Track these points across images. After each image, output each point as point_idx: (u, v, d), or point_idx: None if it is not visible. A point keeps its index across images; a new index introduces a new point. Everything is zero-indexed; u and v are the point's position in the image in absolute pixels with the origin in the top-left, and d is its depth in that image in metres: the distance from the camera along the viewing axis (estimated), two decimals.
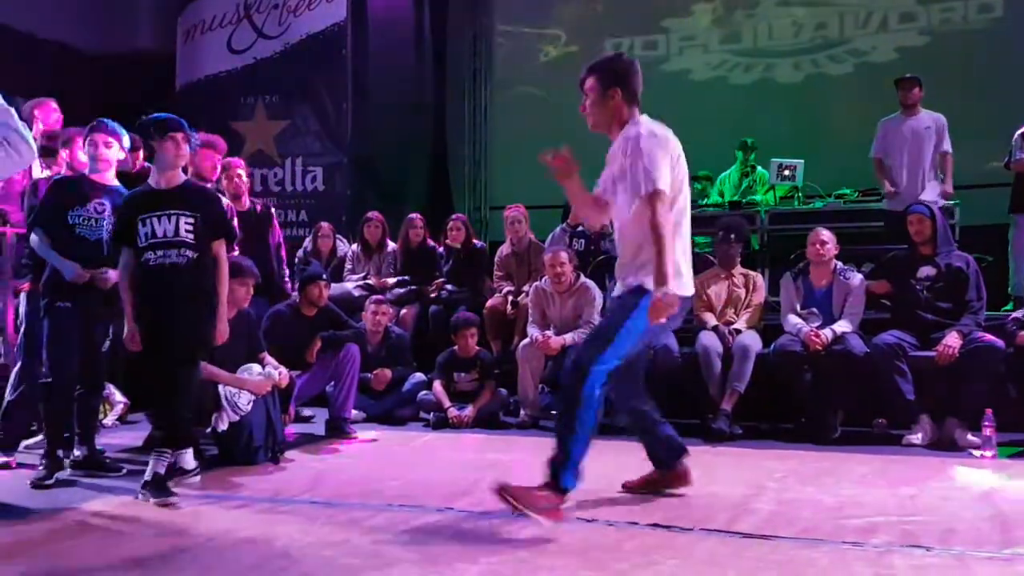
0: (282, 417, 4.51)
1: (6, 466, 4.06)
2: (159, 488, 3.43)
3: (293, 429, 4.98)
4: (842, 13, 8.95)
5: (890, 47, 8.76)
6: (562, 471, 3.08)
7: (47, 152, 4.76)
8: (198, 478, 3.79)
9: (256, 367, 4.31)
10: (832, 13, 8.97)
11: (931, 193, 6.10)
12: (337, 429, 5.02)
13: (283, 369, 4.43)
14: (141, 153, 4.96)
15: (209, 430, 4.19)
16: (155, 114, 3.68)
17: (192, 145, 3.74)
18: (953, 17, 8.71)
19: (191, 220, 3.57)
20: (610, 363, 3.09)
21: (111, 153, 3.98)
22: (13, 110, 2.84)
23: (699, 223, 6.93)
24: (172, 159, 3.61)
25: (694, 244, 7.28)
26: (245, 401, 4.16)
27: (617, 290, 3.31)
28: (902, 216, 5.15)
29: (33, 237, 3.99)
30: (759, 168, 7.63)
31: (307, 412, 5.43)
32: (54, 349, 3.83)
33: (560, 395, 3.29)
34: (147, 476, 3.47)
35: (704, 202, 7.38)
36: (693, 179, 7.94)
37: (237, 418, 4.13)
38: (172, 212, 3.56)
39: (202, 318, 3.61)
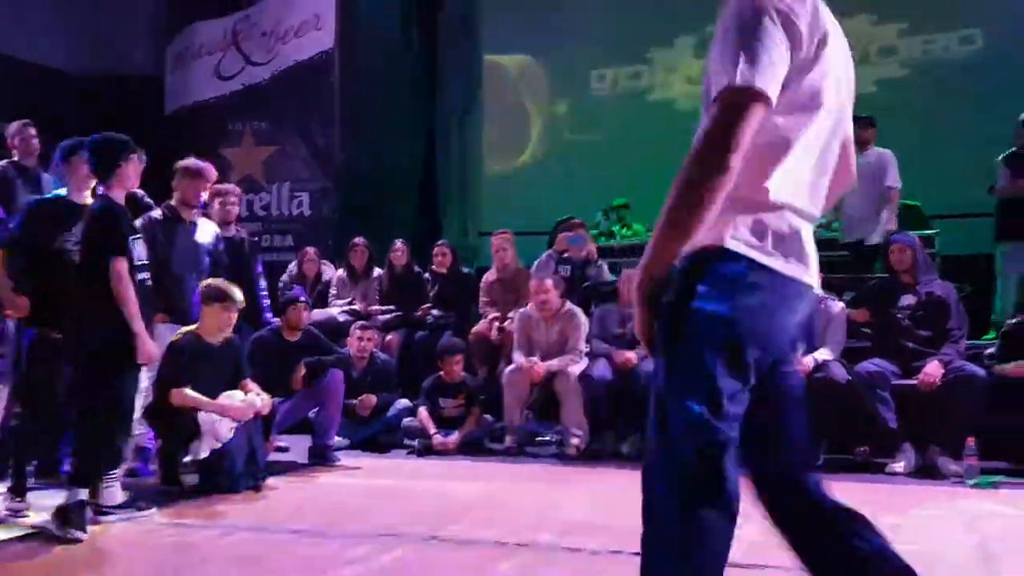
0: (264, 444, 4.48)
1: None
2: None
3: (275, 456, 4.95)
4: None
5: (871, 80, 8.90)
6: None
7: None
8: (145, 512, 3.62)
9: (239, 393, 4.29)
10: None
11: (875, 229, 6.15)
12: (320, 456, 4.99)
13: (265, 396, 4.41)
14: None
15: (190, 457, 4.16)
16: (113, 135, 3.65)
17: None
18: (934, 49, 8.86)
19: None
20: None
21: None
22: None
23: None
24: (132, 181, 3.66)
25: None
26: (226, 428, 4.13)
27: None
28: (857, 247, 5.23)
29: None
30: None
31: (283, 443, 5.32)
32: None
33: None
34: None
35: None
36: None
37: (218, 445, 4.10)
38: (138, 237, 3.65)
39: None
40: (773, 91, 1.47)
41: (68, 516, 3.25)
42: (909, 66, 8.86)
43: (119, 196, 3.61)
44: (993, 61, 8.48)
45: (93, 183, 3.92)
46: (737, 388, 1.54)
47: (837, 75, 1.61)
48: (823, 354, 4.92)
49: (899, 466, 4.65)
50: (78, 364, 3.60)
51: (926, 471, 4.59)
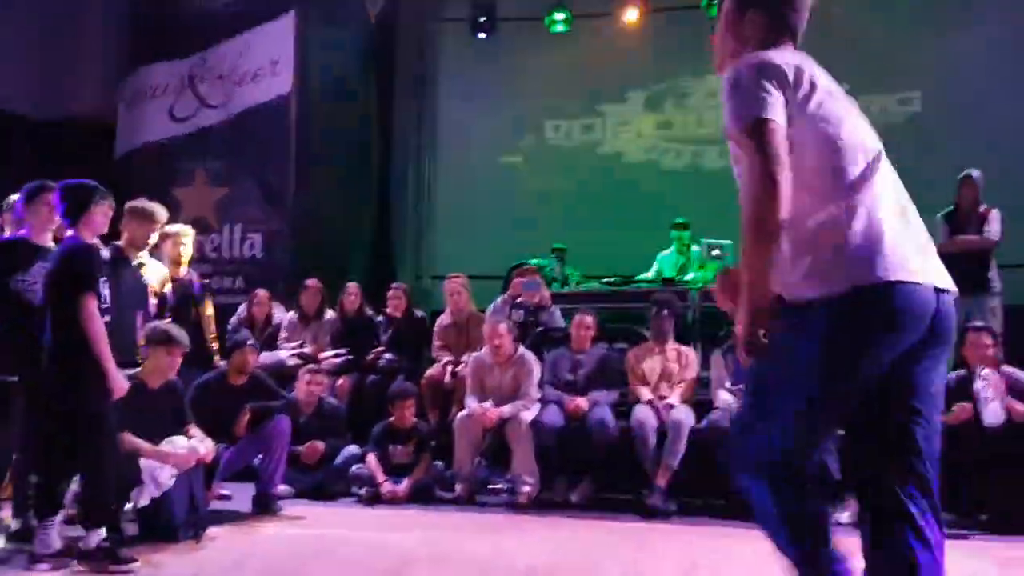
0: (206, 493, 4.35)
1: None
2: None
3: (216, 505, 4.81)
4: None
5: None
6: None
7: None
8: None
9: (181, 439, 4.19)
10: None
11: None
12: (264, 505, 4.86)
13: (209, 442, 4.31)
14: None
15: (129, 505, 4.03)
16: (84, 181, 3.77)
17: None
18: (872, 109, 9.21)
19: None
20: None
21: (55, 215, 3.95)
22: None
23: (632, 298, 7.19)
24: (101, 225, 3.77)
25: (628, 317, 7.47)
26: (167, 475, 4.01)
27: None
28: None
29: None
30: (692, 247, 7.87)
31: (226, 490, 5.17)
32: None
33: None
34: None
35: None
36: None
37: (158, 493, 3.98)
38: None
39: None
40: (775, 115, 1.82)
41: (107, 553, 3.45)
42: None
43: (88, 240, 3.69)
44: (931, 122, 8.87)
45: (54, 225, 3.91)
46: None
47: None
48: None
49: (844, 516, 4.68)
50: (41, 405, 3.64)
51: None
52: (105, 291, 3.67)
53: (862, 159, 1.93)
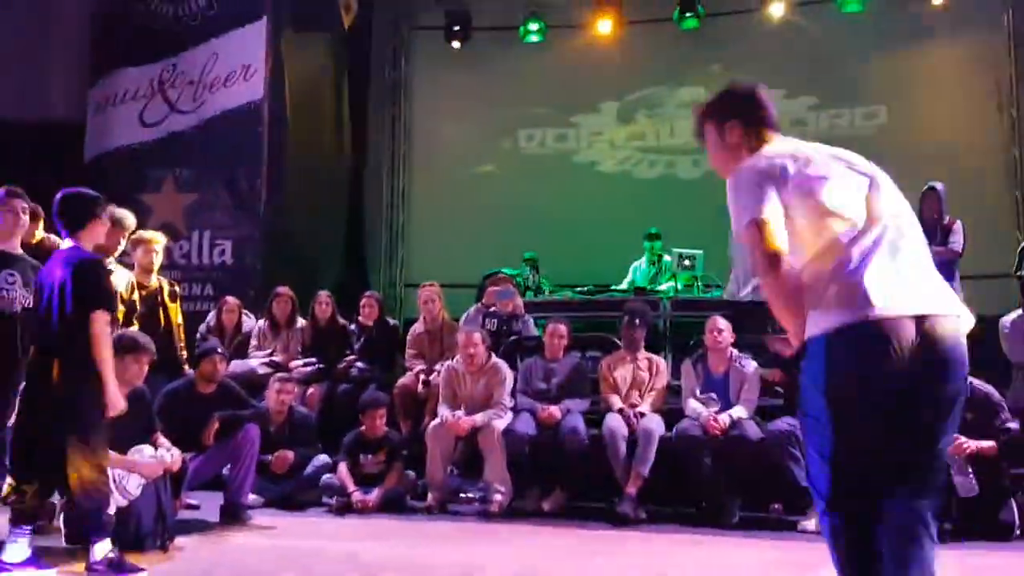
0: (173, 503, 4.30)
1: None
2: None
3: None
4: None
5: None
6: None
7: None
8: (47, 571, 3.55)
9: (148, 448, 4.13)
10: None
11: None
12: (232, 515, 4.81)
13: (176, 451, 4.26)
14: (41, 223, 4.81)
15: None
16: (85, 190, 3.77)
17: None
18: (840, 123, 9.41)
19: None
20: None
21: (25, 221, 3.90)
22: None
23: (605, 307, 7.24)
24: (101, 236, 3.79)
25: (600, 326, 7.52)
26: (134, 485, 3.96)
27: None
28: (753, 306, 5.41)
29: None
30: (664, 257, 7.96)
31: (194, 500, 5.11)
32: None
33: None
34: None
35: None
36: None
37: (125, 503, 3.93)
38: None
39: None
40: (769, 213, 2.10)
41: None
42: (817, 139, 9.29)
43: (89, 251, 3.69)
44: (896, 135, 9.05)
45: (22, 231, 3.87)
46: None
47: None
48: (738, 411, 5.05)
49: (811, 523, 4.75)
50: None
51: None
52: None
53: (847, 215, 2.14)
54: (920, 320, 2.02)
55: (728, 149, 2.39)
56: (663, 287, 7.50)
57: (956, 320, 2.10)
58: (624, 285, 7.89)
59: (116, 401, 3.59)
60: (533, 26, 9.51)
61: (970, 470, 4.41)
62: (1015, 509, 4.45)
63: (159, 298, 5.38)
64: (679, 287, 7.34)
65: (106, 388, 3.55)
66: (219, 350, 5.28)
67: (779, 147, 2.28)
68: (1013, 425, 4.53)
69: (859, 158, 2.31)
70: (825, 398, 2.03)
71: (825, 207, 2.12)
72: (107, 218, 3.76)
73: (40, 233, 4.82)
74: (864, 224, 2.13)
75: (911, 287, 2.06)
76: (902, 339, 1.99)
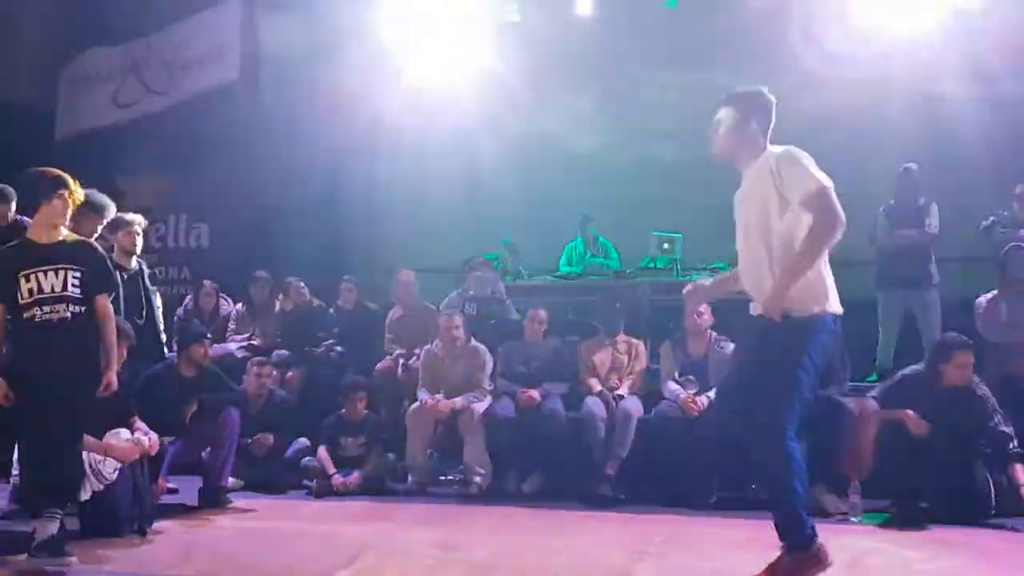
0: (151, 487, 4.27)
1: None
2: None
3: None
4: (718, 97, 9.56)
5: None
6: (794, 528, 3.03)
7: None
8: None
9: (125, 432, 4.10)
10: (709, 96, 9.55)
11: None
12: (212, 498, 4.79)
13: (153, 435, 4.22)
14: (13, 205, 4.72)
15: None
16: (44, 168, 3.68)
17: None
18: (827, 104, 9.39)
19: (78, 274, 3.59)
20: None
21: None
22: None
23: (584, 291, 7.25)
24: (60, 216, 3.64)
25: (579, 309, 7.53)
26: (111, 469, 3.93)
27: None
28: None
29: None
30: (600, 238, 8.15)
31: (173, 484, 5.09)
32: None
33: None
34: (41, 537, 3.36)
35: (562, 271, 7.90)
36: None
37: (101, 487, 3.90)
38: (60, 267, 3.57)
39: (87, 375, 3.61)
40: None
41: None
42: (801, 120, 9.33)
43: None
44: (876, 115, 9.06)
45: None
46: None
47: None
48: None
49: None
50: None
51: (813, 509, 4.75)
52: (30, 284, 3.55)
53: None
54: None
55: (745, 139, 3.12)
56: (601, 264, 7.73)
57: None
58: (564, 268, 8.03)
59: (114, 384, 3.64)
60: (512, 6, 9.42)
61: None
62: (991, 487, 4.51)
63: (140, 281, 5.32)
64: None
65: (108, 370, 3.62)
66: (207, 335, 5.24)
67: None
68: (1006, 429, 4.57)
69: None
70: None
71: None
72: (66, 198, 3.65)
73: (11, 215, 4.74)
74: None
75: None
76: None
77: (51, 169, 3.69)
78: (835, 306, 2.98)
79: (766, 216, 3.00)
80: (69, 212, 3.69)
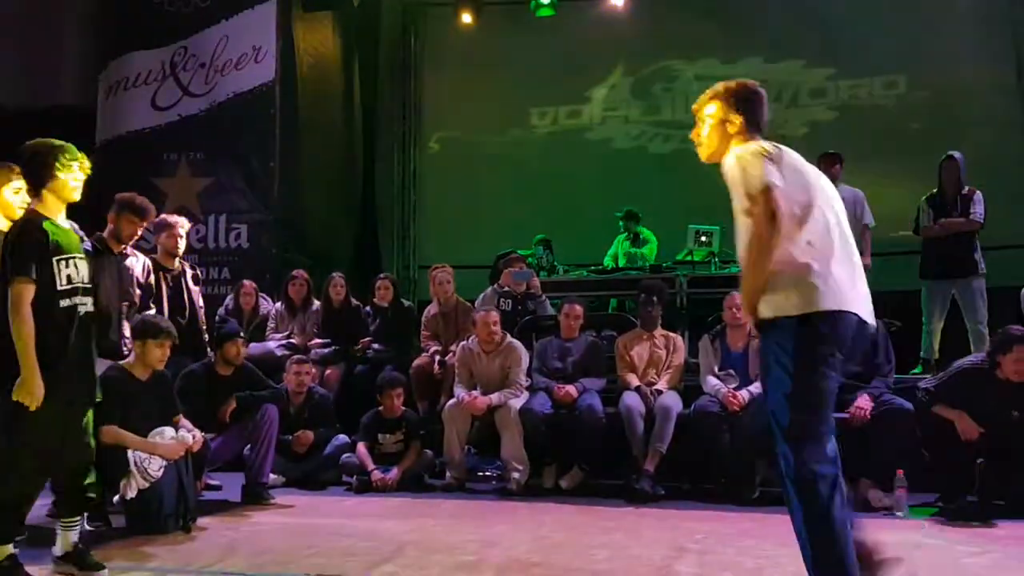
0: (195, 484, 4.34)
1: None
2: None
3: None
4: None
5: (801, 121, 9.24)
6: None
7: None
8: None
9: (169, 430, 4.17)
10: None
11: None
12: (254, 495, 4.85)
13: (197, 432, 4.29)
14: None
15: (117, 497, 4.02)
16: (47, 140, 3.55)
17: None
18: (860, 93, 9.26)
19: None
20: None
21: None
22: None
23: (621, 286, 7.19)
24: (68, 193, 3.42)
25: (619, 306, 7.50)
26: (156, 467, 4.00)
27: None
28: None
29: None
30: (643, 232, 8.11)
31: (215, 481, 5.19)
32: None
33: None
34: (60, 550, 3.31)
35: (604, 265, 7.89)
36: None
37: (147, 485, 3.96)
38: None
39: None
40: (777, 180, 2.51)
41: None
42: (836, 108, 9.23)
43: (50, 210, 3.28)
44: (916, 105, 8.90)
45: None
46: None
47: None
48: (757, 387, 5.01)
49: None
50: None
51: (857, 504, 4.68)
52: (69, 271, 3.24)
53: (820, 216, 2.63)
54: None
55: (725, 136, 2.82)
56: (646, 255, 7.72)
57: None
58: (608, 262, 8.01)
59: (33, 392, 3.04)
60: (545, 0, 9.38)
61: None
62: None
63: (183, 281, 5.40)
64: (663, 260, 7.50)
65: (22, 374, 3.03)
66: (241, 333, 5.31)
67: (770, 144, 2.69)
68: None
69: None
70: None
71: (800, 206, 2.65)
72: (77, 172, 3.38)
73: None
74: (831, 230, 2.70)
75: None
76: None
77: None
78: (835, 304, 2.55)
79: (738, 219, 2.69)
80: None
